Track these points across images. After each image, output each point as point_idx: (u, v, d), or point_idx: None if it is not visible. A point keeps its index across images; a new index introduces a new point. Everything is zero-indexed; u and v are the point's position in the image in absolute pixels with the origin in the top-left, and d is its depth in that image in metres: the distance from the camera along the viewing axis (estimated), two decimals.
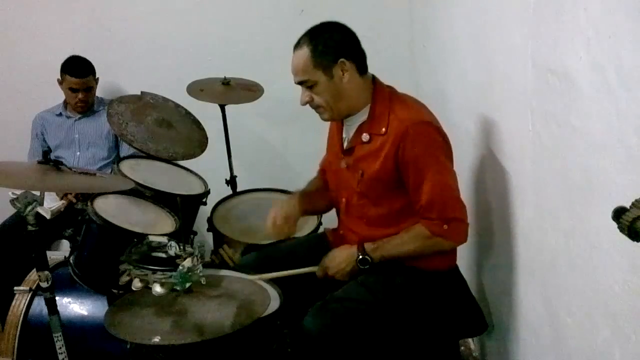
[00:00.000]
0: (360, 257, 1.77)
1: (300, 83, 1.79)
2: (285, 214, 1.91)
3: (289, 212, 1.92)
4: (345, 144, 1.88)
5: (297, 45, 1.78)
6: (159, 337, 1.44)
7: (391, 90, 1.84)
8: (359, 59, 1.78)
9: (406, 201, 1.77)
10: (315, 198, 2.04)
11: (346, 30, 1.80)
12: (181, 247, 1.68)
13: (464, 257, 2.07)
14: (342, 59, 1.73)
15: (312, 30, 1.78)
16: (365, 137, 1.78)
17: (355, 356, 1.77)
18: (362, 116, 1.81)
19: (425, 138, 1.70)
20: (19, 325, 1.98)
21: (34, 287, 2.04)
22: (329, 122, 1.96)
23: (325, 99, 1.78)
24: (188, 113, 2.69)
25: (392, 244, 1.77)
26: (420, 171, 1.70)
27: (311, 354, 1.72)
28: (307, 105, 1.82)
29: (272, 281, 1.85)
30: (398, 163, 1.72)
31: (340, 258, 1.82)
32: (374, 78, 1.84)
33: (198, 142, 2.60)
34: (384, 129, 1.74)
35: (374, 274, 1.80)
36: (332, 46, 1.74)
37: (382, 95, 1.80)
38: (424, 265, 1.80)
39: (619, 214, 0.80)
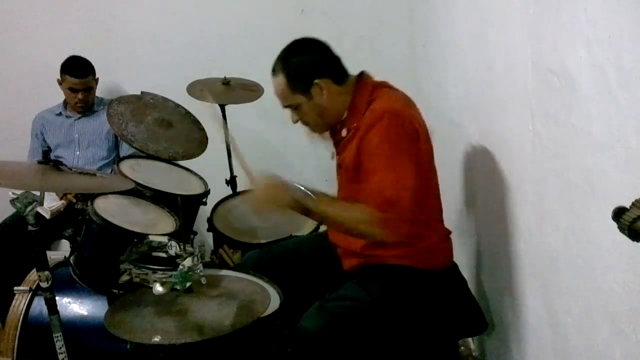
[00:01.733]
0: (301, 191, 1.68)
1: (285, 107, 1.84)
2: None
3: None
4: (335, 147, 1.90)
5: (273, 72, 1.82)
6: (159, 337, 1.44)
7: (376, 84, 1.82)
8: (333, 71, 1.79)
9: None
10: None
11: (315, 47, 1.80)
12: (181, 247, 1.69)
13: (463, 257, 2.07)
14: (316, 80, 1.75)
15: (283, 55, 1.81)
16: (343, 132, 1.80)
17: (354, 356, 1.77)
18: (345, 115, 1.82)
19: (388, 129, 1.64)
20: (19, 325, 1.98)
21: (34, 287, 2.03)
22: None
23: (312, 118, 1.82)
24: (188, 113, 2.69)
25: (335, 205, 1.73)
26: (373, 159, 1.65)
27: (310, 355, 1.71)
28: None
29: (272, 281, 1.85)
30: (359, 149, 1.70)
31: (282, 182, 1.71)
32: (361, 75, 1.82)
33: (198, 142, 2.60)
34: (357, 123, 1.75)
35: (370, 273, 1.80)
36: (303, 69, 1.76)
37: (363, 91, 1.79)
38: (418, 264, 1.79)
39: (619, 214, 0.80)
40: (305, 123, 1.85)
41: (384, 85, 1.83)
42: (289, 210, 1.66)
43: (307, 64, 1.77)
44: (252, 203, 1.73)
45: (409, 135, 1.68)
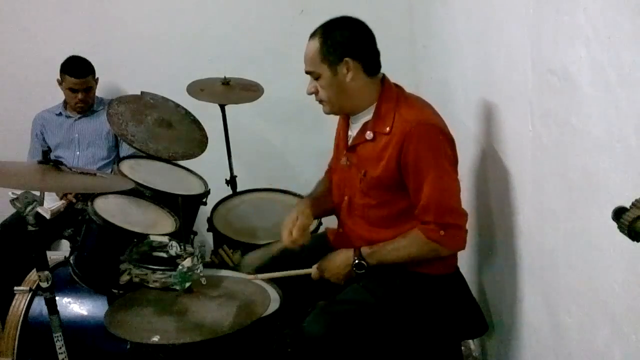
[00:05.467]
0: (357, 261, 1.77)
1: (307, 73, 1.81)
2: (302, 226, 1.88)
3: (304, 223, 1.89)
4: (349, 141, 1.88)
5: (312, 35, 1.79)
6: (158, 337, 1.44)
7: (399, 90, 1.82)
8: (367, 59, 1.77)
9: (408, 203, 1.76)
10: (324, 201, 2.02)
11: (360, 29, 1.79)
12: (182, 247, 1.69)
13: (464, 258, 2.06)
14: (347, 58, 1.73)
15: (327, 23, 1.79)
16: (369, 134, 1.77)
17: (357, 358, 1.77)
18: (367, 115, 1.80)
19: (429, 140, 1.69)
20: (19, 325, 1.98)
21: (34, 287, 2.03)
22: (333, 121, 1.96)
23: (328, 94, 1.78)
24: (188, 113, 2.69)
25: (388, 248, 1.77)
26: (420, 173, 1.69)
27: (313, 357, 1.71)
28: (312, 98, 1.83)
29: (272, 281, 1.85)
30: (400, 164, 1.71)
31: (337, 262, 1.81)
32: (384, 77, 1.83)
33: (198, 142, 2.60)
34: (388, 128, 1.73)
35: (375, 277, 1.80)
36: (340, 43, 1.74)
37: (389, 95, 1.78)
38: (424, 270, 1.79)
39: (619, 214, 0.80)
40: (320, 99, 1.81)
41: (403, 91, 1.83)
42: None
43: (345, 39, 1.75)
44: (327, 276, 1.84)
45: (447, 142, 1.73)
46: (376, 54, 1.80)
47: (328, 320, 1.72)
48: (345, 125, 1.92)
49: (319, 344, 1.69)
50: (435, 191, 1.69)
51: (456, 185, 1.75)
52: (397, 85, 1.84)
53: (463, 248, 1.77)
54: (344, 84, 1.75)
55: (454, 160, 1.76)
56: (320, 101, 1.83)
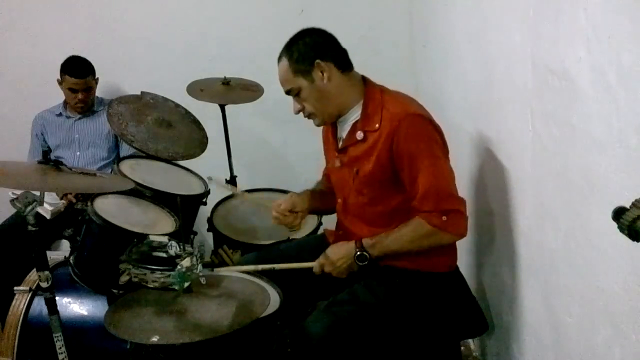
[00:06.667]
0: (358, 253, 1.76)
1: (287, 93, 1.84)
2: (292, 205, 1.94)
3: (296, 203, 1.95)
4: (340, 144, 1.89)
5: (278, 59, 1.84)
6: (157, 337, 1.44)
7: (381, 87, 1.84)
8: (337, 57, 1.80)
9: (402, 200, 1.77)
10: (324, 197, 2.05)
11: (319, 33, 1.82)
12: (181, 247, 1.69)
13: (464, 257, 2.07)
14: (317, 60, 1.76)
15: (288, 41, 1.83)
16: (359, 135, 1.78)
17: (358, 358, 1.77)
18: (355, 114, 1.81)
19: (418, 131, 1.70)
20: (19, 325, 1.98)
21: (34, 287, 2.03)
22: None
23: (313, 104, 1.82)
24: (188, 113, 2.69)
25: (390, 238, 1.76)
26: (414, 164, 1.70)
27: (314, 357, 1.71)
28: (301, 113, 1.86)
29: (272, 281, 1.85)
30: (393, 157, 1.72)
31: (338, 254, 1.80)
32: (364, 78, 1.85)
33: (198, 142, 2.60)
34: (377, 125, 1.74)
35: (375, 276, 1.80)
36: (306, 50, 1.78)
37: (373, 93, 1.80)
38: (424, 267, 1.79)
39: (619, 214, 0.80)
40: (308, 113, 1.84)
41: (386, 88, 1.84)
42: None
43: (309, 46, 1.79)
44: (329, 270, 1.83)
45: (436, 130, 1.74)
46: (343, 51, 1.83)
47: (329, 320, 1.72)
48: (332, 129, 1.93)
49: (321, 344, 1.69)
50: (431, 179, 1.69)
51: (450, 172, 1.75)
52: (378, 85, 1.85)
53: (465, 234, 1.75)
54: (323, 88, 1.78)
55: (444, 149, 1.77)
56: (309, 116, 1.85)
